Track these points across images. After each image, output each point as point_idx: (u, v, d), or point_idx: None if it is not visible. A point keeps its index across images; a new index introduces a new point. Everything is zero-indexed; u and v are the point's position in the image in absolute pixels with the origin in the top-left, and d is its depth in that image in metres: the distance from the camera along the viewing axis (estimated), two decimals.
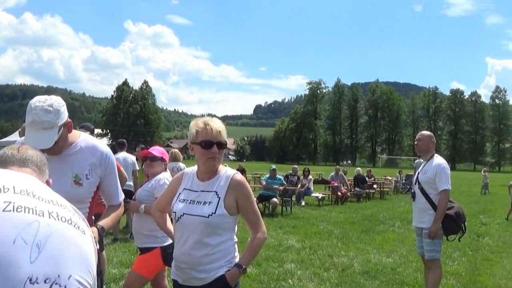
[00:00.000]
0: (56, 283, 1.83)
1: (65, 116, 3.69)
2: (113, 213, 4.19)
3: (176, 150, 14.19)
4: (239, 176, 3.88)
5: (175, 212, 3.84)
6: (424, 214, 7.48)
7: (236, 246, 3.89)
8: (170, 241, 5.68)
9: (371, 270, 10.14)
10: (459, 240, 7.82)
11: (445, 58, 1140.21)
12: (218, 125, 3.75)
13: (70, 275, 1.88)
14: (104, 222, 4.02)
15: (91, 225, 4.05)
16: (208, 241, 3.71)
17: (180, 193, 3.94)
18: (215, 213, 3.68)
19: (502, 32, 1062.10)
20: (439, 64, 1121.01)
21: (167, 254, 5.75)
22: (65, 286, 1.85)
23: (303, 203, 23.11)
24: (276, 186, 19.87)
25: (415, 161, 34.70)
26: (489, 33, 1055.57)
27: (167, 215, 4.41)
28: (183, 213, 3.77)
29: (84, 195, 3.95)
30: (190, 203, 3.81)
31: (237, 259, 3.85)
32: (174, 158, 13.32)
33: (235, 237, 3.86)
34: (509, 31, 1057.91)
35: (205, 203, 3.75)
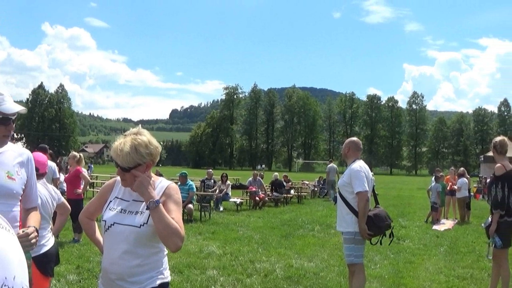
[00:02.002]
0: (5, 285, 1.79)
1: None
2: (36, 214, 4.25)
3: (81, 154, 14.17)
4: (174, 185, 3.87)
5: (105, 221, 3.74)
6: (343, 218, 7.59)
7: (166, 258, 3.86)
8: (44, 249, 5.57)
9: (293, 275, 10.18)
10: (381, 243, 7.88)
11: (363, 64, 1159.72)
12: (117, 147, 3.63)
13: (15, 276, 1.85)
14: (35, 223, 4.08)
15: (25, 226, 4.04)
16: (139, 252, 3.64)
17: (110, 201, 3.85)
18: (146, 223, 3.60)
19: (420, 39, 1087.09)
20: (356, 70, 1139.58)
21: (41, 263, 5.49)
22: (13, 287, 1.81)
23: (221, 209, 23.05)
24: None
25: (327, 166, 35.20)
26: (407, 40, 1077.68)
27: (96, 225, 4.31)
28: (114, 222, 3.68)
29: (17, 189, 3.98)
30: (121, 212, 3.73)
31: (166, 271, 3.83)
32: (79, 162, 13.36)
33: (165, 248, 3.80)
34: (427, 38, 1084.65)
35: (136, 212, 3.68)
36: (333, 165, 34.10)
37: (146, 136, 3.70)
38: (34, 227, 3.89)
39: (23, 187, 4.05)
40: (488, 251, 8.40)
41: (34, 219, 4.14)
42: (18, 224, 4.00)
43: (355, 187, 7.44)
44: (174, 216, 3.62)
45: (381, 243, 7.86)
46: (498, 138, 8.55)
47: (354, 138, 8.23)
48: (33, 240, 3.79)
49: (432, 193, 21.10)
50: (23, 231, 3.76)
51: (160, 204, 3.56)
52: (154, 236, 3.64)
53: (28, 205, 4.21)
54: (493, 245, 8.28)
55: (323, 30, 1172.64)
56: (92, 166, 52.68)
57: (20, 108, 3.94)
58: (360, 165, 7.69)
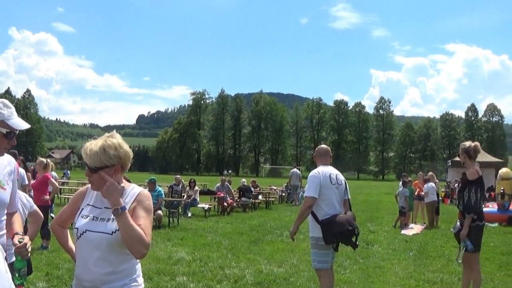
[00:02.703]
0: None
1: None
2: (19, 218, 4.38)
3: (48, 160, 14.04)
4: (146, 192, 3.80)
5: (77, 228, 3.68)
6: (308, 224, 7.67)
7: (139, 265, 3.77)
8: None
9: (263, 281, 10.14)
10: (336, 250, 7.82)
11: (330, 70, 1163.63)
12: (87, 147, 3.66)
13: None
14: (20, 227, 4.24)
15: (10, 230, 4.01)
16: (112, 259, 3.58)
17: (82, 209, 3.79)
18: (118, 230, 3.53)
19: (387, 44, 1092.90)
20: (323, 75, 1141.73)
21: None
22: None
23: (189, 214, 22.96)
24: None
25: (291, 171, 35.29)
26: (374, 45, 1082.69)
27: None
28: (86, 230, 3.62)
29: (7, 199, 4.08)
30: (93, 219, 3.66)
31: (140, 278, 3.75)
32: (46, 168, 13.26)
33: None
34: (394, 44, 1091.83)
35: (108, 219, 3.61)
36: (295, 170, 34.37)
37: (117, 139, 3.71)
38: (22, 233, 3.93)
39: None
40: (459, 255, 8.40)
41: (18, 223, 4.25)
42: (4, 232, 3.99)
43: (305, 191, 7.53)
44: (142, 223, 3.56)
45: (336, 250, 7.82)
46: (468, 143, 8.57)
47: (321, 145, 8.30)
48: (30, 248, 3.91)
49: (400, 198, 21.18)
50: (19, 241, 3.88)
51: (126, 211, 3.51)
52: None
53: (10, 209, 4.26)
54: (464, 249, 8.29)
55: (290, 36, 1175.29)
56: (69, 172, 51.84)
57: (28, 126, 4.06)
58: (318, 170, 7.72)
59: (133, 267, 3.71)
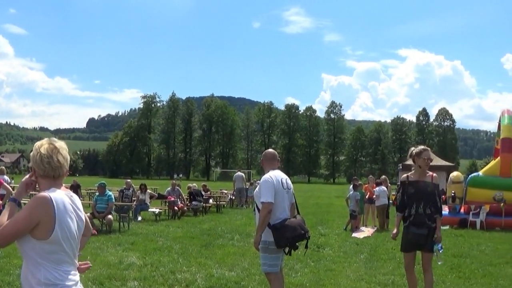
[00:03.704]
0: None
1: None
2: None
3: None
4: (39, 196, 3.66)
5: None
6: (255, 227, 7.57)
7: (48, 271, 3.62)
8: None
9: (215, 285, 10.12)
10: (289, 254, 7.80)
11: (281, 74, 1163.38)
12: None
13: None
14: None
15: None
16: (25, 264, 3.65)
17: None
18: None
19: (339, 49, 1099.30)
20: (275, 79, 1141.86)
21: None
22: None
23: (139, 219, 22.78)
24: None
25: (235, 175, 35.41)
26: (326, 50, 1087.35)
27: None
28: None
29: None
30: None
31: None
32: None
33: (46, 262, 3.62)
34: (346, 49, 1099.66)
35: None
36: (239, 173, 34.57)
37: (46, 144, 3.76)
38: None
39: None
40: (438, 257, 8.49)
41: None
42: None
43: (260, 197, 7.49)
44: (7, 220, 3.55)
45: (289, 254, 7.80)
46: (413, 148, 8.80)
47: (268, 150, 8.32)
48: None
49: (350, 201, 21.33)
50: None
51: (13, 203, 3.67)
52: (27, 250, 3.61)
53: None
54: (439, 250, 8.43)
55: (243, 40, 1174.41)
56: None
57: None
58: (270, 175, 7.71)
59: (33, 274, 3.62)
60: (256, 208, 7.68)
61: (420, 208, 8.49)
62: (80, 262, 3.90)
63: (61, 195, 3.66)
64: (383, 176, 24.32)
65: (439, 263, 8.64)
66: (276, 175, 7.74)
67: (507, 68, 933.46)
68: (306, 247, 7.84)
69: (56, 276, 3.61)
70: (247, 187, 35.38)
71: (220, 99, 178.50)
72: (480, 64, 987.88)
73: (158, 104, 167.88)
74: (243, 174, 35.30)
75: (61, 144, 3.73)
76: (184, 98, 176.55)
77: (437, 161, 42.73)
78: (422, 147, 8.84)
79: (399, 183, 9.36)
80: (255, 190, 7.93)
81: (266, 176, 7.69)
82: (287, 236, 7.45)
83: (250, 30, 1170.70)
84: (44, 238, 3.53)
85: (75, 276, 3.75)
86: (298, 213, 8.02)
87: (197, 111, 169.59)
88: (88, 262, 4.12)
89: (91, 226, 4.29)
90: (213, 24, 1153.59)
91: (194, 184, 29.53)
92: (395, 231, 8.96)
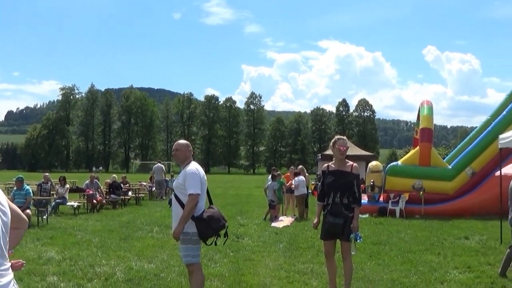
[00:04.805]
0: None
1: None
2: None
3: None
4: None
5: None
6: (178, 220, 7.55)
7: None
8: None
9: (134, 278, 10.10)
10: (215, 244, 7.88)
11: (202, 65, 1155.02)
12: None
13: None
14: None
15: None
16: None
17: None
18: None
19: (260, 41, 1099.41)
20: (195, 71, 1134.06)
21: None
22: None
23: (58, 212, 22.48)
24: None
25: (154, 166, 35.31)
26: (247, 41, 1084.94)
27: None
28: None
29: None
30: None
31: None
32: None
33: None
34: (266, 40, 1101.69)
35: None
36: (159, 165, 34.51)
37: None
38: None
39: None
40: (352, 247, 8.64)
41: None
42: None
43: (188, 188, 7.49)
44: None
45: (215, 244, 7.88)
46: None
47: (181, 141, 8.26)
48: None
49: (269, 191, 21.54)
50: None
51: None
52: None
53: None
54: (356, 239, 8.58)
55: (163, 30, 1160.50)
56: None
57: None
58: (196, 167, 7.75)
59: None
60: (176, 199, 7.65)
61: (337, 198, 8.62)
62: (13, 261, 3.73)
63: None
64: (300, 166, 24.60)
65: (353, 253, 8.75)
66: (199, 167, 7.81)
67: (428, 59, 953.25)
68: (226, 235, 7.89)
69: None
70: (167, 178, 35.31)
71: (139, 91, 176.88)
72: (401, 55, 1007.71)
73: (77, 96, 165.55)
74: (163, 166, 35.18)
75: None
76: (103, 89, 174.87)
77: (357, 150, 43.44)
78: (337, 136, 9.01)
79: (318, 172, 9.51)
80: (175, 181, 7.91)
81: (193, 168, 7.69)
82: (214, 227, 7.55)
83: (171, 21, 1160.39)
84: None
85: (6, 276, 3.37)
86: (211, 203, 8.08)
87: (116, 102, 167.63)
88: (21, 260, 4.03)
89: (25, 217, 4.15)
90: (133, 14, 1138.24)
91: (114, 176, 29.28)
92: (315, 220, 9.10)
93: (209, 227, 7.51)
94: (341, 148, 8.77)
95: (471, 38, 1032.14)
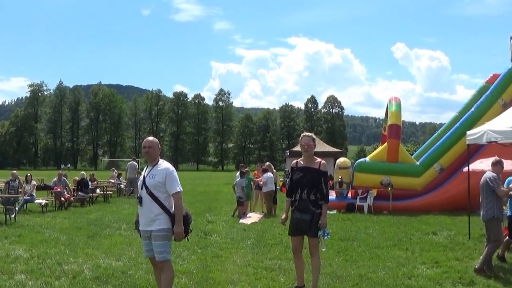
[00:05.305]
0: None
1: None
2: None
3: None
4: None
5: None
6: (155, 218, 7.57)
7: None
8: None
9: (102, 275, 10.11)
10: (188, 240, 8.05)
11: (171, 62, 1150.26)
12: None
13: None
14: None
15: None
16: None
17: None
18: None
19: (229, 37, 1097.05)
20: (164, 67, 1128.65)
21: None
22: None
23: (26, 210, 22.36)
24: None
25: (128, 163, 35.16)
26: (216, 38, 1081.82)
27: None
28: None
29: None
30: None
31: None
32: None
33: None
34: (235, 37, 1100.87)
35: None
36: (133, 162, 34.29)
37: None
38: None
39: None
40: (321, 244, 8.71)
41: None
42: None
43: (172, 187, 7.57)
44: None
45: (188, 240, 8.03)
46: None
47: (150, 138, 8.22)
48: None
49: (237, 187, 21.62)
50: None
51: None
52: None
53: None
54: (324, 236, 8.64)
55: (132, 27, 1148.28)
56: None
57: None
58: (170, 165, 7.83)
59: None
60: (152, 197, 7.60)
61: (304, 194, 8.71)
62: None
63: None
64: (267, 163, 24.70)
65: (323, 249, 8.84)
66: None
67: (397, 56, 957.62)
68: (191, 230, 7.97)
69: None
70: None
71: (108, 87, 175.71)
72: (370, 52, 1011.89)
73: (45, 93, 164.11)
74: (136, 164, 35.00)
75: None
76: (71, 86, 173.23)
77: (325, 147, 43.60)
78: (303, 133, 9.10)
79: (287, 169, 9.57)
80: (152, 179, 7.87)
81: (169, 166, 7.79)
82: (189, 222, 7.74)
83: (139, 18, 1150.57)
84: None
85: None
86: None
87: (85, 99, 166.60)
88: None
89: None
90: (102, 10, 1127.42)
91: (83, 173, 29.15)
92: (283, 216, 9.20)
93: (186, 223, 7.65)
94: (304, 145, 8.89)
95: (441, 35, 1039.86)
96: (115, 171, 38.86)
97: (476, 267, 10.70)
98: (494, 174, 11.11)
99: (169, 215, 7.56)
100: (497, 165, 11.26)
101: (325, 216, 8.72)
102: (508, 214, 11.30)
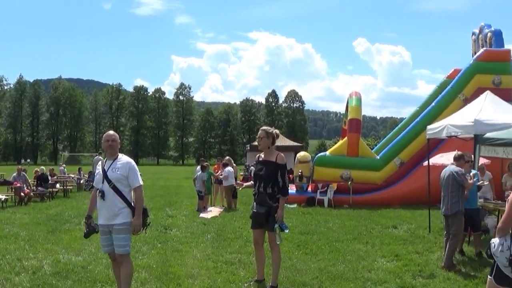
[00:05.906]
0: None
1: None
2: None
3: None
4: None
5: None
6: (118, 211, 7.60)
7: None
8: None
9: (62, 271, 10.10)
10: (146, 233, 8.19)
11: (131, 56, 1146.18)
12: None
13: None
14: None
15: None
16: None
17: None
18: None
19: (190, 31, 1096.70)
20: (124, 61, 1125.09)
21: None
22: None
23: None
24: None
25: (94, 158, 35.00)
26: (177, 32, 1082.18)
27: None
28: None
29: None
30: None
31: None
32: None
33: None
34: (197, 31, 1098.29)
35: None
36: (98, 157, 34.08)
37: None
38: None
39: None
40: (277, 237, 8.77)
41: None
42: None
43: (135, 181, 7.66)
44: None
45: (146, 233, 8.12)
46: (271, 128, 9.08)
47: (110, 132, 8.18)
48: None
49: (197, 182, 21.67)
50: None
51: None
52: None
53: None
54: (282, 229, 8.70)
55: (92, 20, 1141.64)
56: None
57: None
58: (131, 159, 7.85)
59: None
60: (115, 191, 7.63)
61: (261, 187, 8.80)
62: None
63: None
64: (227, 157, 24.77)
65: (278, 243, 8.89)
66: None
67: (358, 51, 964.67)
68: (148, 223, 8.07)
69: None
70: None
71: (68, 82, 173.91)
72: (332, 47, 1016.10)
73: (5, 87, 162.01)
74: (101, 158, 34.86)
75: None
76: (32, 80, 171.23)
77: (286, 141, 43.80)
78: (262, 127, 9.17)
79: (247, 163, 9.60)
80: (114, 173, 7.83)
81: (130, 160, 7.87)
82: (147, 215, 7.85)
83: (100, 11, 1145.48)
84: None
85: None
86: None
87: (45, 94, 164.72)
88: None
89: None
90: (63, 3, 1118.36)
91: (42, 167, 28.94)
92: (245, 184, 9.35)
93: (145, 215, 7.77)
94: (257, 138, 9.02)
95: (402, 30, 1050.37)
96: (63, 165, 38.80)
97: (443, 265, 10.82)
98: (461, 168, 11.26)
99: (131, 209, 7.63)
100: (459, 160, 11.42)
101: (281, 209, 8.76)
102: (465, 207, 11.45)
